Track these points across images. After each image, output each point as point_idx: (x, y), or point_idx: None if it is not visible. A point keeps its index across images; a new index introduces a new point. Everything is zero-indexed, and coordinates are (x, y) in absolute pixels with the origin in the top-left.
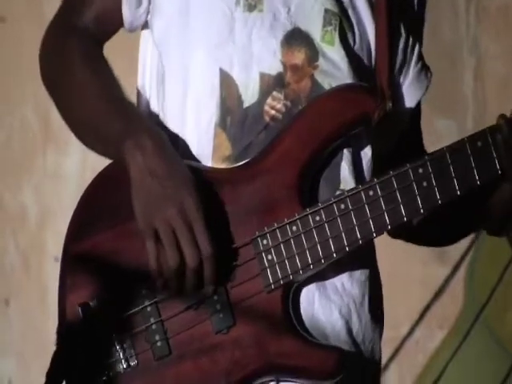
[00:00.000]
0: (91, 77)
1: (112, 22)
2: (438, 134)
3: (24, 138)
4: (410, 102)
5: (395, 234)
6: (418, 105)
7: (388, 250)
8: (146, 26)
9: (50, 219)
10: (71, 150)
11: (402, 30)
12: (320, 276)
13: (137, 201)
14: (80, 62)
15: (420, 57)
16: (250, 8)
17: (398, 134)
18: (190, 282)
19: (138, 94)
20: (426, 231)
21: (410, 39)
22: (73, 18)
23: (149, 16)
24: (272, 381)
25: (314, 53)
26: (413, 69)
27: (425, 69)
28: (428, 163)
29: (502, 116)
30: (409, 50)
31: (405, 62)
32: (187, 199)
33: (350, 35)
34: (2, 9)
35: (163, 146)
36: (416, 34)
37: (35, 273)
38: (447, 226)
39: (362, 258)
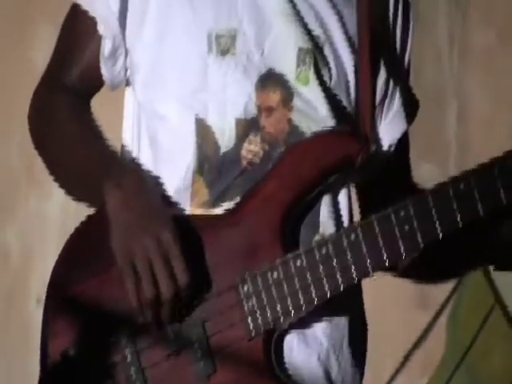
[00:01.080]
0: (75, 129)
1: (94, 81)
2: (420, 179)
3: (8, 180)
4: (394, 134)
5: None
6: (405, 135)
7: (370, 294)
8: (127, 82)
9: (33, 261)
10: (54, 193)
11: (384, 62)
12: (299, 321)
13: (115, 234)
14: (65, 116)
15: (405, 88)
16: (223, 52)
17: (382, 168)
18: (166, 313)
19: (122, 146)
20: (415, 269)
21: (394, 70)
22: (59, 75)
23: (128, 72)
24: None
25: (288, 93)
26: (398, 100)
27: (411, 100)
28: (410, 206)
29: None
30: (392, 82)
31: (386, 95)
32: (164, 232)
33: (325, 72)
34: None
35: (143, 184)
36: (400, 63)
37: (17, 313)
38: (437, 265)
39: (342, 302)
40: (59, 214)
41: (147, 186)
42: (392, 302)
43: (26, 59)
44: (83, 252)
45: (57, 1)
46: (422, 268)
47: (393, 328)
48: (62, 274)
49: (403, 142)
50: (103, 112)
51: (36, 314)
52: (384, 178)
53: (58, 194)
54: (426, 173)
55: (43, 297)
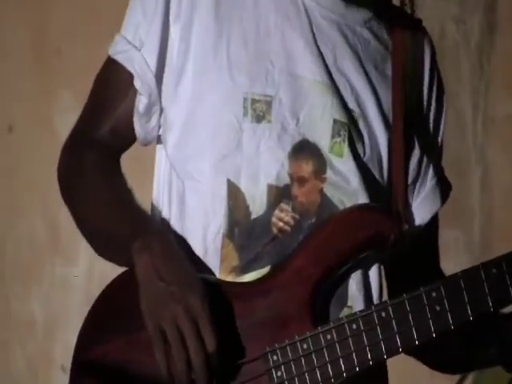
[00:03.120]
0: (104, 188)
1: (126, 136)
2: (445, 245)
3: (32, 248)
4: (424, 215)
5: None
6: (435, 218)
7: (396, 362)
8: (160, 140)
9: (58, 328)
10: (79, 260)
11: (417, 143)
12: None
13: (144, 301)
14: (94, 174)
15: (438, 168)
16: (259, 119)
17: (408, 248)
18: (197, 378)
19: (152, 204)
20: (435, 357)
21: (426, 152)
22: (89, 131)
23: (161, 130)
24: None
25: (321, 165)
26: (429, 182)
27: (443, 181)
28: (441, 287)
29: None
30: (424, 163)
31: (419, 176)
32: (192, 298)
33: (359, 146)
34: (9, 118)
35: (170, 247)
36: (432, 145)
37: (42, 382)
38: (455, 356)
39: (370, 376)
40: (83, 282)
41: (175, 248)
42: (418, 370)
43: (45, 128)
44: (110, 314)
45: (78, 69)
46: (428, 355)
47: None
48: (88, 336)
49: (433, 225)
50: (132, 166)
51: (61, 383)
52: (412, 258)
53: (82, 262)
54: (451, 239)
55: (68, 365)
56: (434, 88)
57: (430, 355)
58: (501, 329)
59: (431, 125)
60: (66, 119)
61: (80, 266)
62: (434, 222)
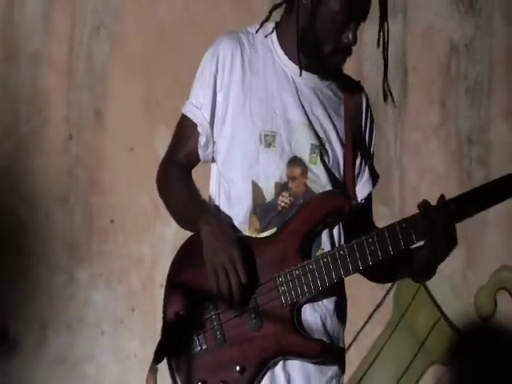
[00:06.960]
0: (183, 189)
1: (194, 159)
2: (378, 216)
3: (142, 214)
4: (363, 193)
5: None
6: (370, 195)
7: (348, 281)
8: (213, 159)
9: (158, 262)
10: (171, 223)
11: (359, 152)
12: (311, 297)
13: (206, 253)
14: (176, 181)
15: (371, 166)
16: (268, 145)
17: (356, 213)
18: (234, 297)
19: (209, 197)
20: (375, 275)
21: (364, 157)
22: (174, 155)
23: (214, 154)
24: (281, 360)
25: (305, 169)
26: (366, 174)
27: (374, 174)
28: (374, 236)
29: (419, 207)
30: (363, 163)
31: (359, 171)
32: (233, 251)
33: (326, 158)
34: (131, 143)
35: (221, 222)
36: (368, 152)
37: (149, 293)
38: (386, 274)
39: (335, 287)
40: (173, 237)
41: (223, 222)
42: (362, 285)
43: (150, 148)
44: (187, 256)
45: (171, 112)
46: (370, 275)
47: (363, 299)
48: (176, 268)
49: (369, 198)
50: (198, 175)
51: (160, 294)
52: (357, 218)
53: (173, 225)
54: (381, 212)
55: (164, 283)
56: (368, 121)
57: (370, 273)
58: (409, 257)
59: (367, 142)
60: (162, 144)
61: (171, 227)
62: (369, 197)
